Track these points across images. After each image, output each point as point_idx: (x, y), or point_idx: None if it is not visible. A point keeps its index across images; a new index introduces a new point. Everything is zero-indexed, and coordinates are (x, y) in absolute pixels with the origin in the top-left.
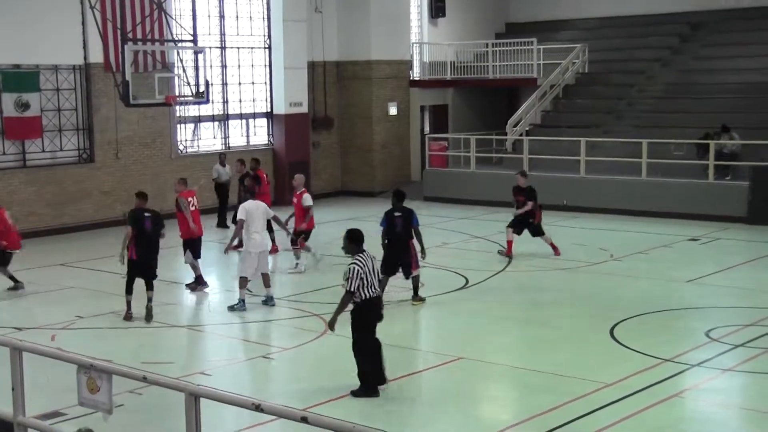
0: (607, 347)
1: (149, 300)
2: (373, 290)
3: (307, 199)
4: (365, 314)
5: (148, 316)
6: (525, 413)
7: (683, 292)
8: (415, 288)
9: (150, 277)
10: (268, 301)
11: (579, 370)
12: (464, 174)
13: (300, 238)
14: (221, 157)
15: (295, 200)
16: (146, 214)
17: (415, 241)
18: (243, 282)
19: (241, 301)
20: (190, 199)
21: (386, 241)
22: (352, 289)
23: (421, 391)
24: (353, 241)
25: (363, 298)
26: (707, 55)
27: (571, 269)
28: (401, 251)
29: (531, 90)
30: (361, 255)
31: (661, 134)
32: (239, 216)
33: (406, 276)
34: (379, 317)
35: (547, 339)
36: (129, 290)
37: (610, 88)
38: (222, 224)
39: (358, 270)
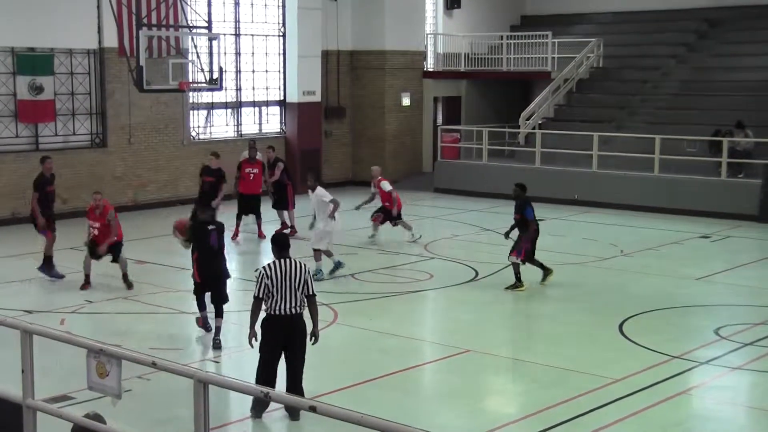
0: (616, 343)
1: (218, 331)
2: (285, 307)
3: (386, 185)
4: (265, 330)
5: (216, 347)
6: (531, 407)
7: (693, 290)
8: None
9: (219, 302)
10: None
11: (587, 365)
12: (476, 166)
13: (376, 214)
14: (251, 143)
15: (376, 189)
16: (210, 227)
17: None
18: (317, 254)
19: (320, 270)
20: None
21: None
22: (255, 295)
23: (429, 383)
24: (275, 245)
25: (268, 311)
26: (724, 53)
27: (581, 264)
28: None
29: (545, 83)
30: (276, 261)
31: (675, 131)
32: (326, 199)
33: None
34: (284, 338)
35: (556, 333)
36: (202, 306)
37: (625, 84)
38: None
39: (261, 275)
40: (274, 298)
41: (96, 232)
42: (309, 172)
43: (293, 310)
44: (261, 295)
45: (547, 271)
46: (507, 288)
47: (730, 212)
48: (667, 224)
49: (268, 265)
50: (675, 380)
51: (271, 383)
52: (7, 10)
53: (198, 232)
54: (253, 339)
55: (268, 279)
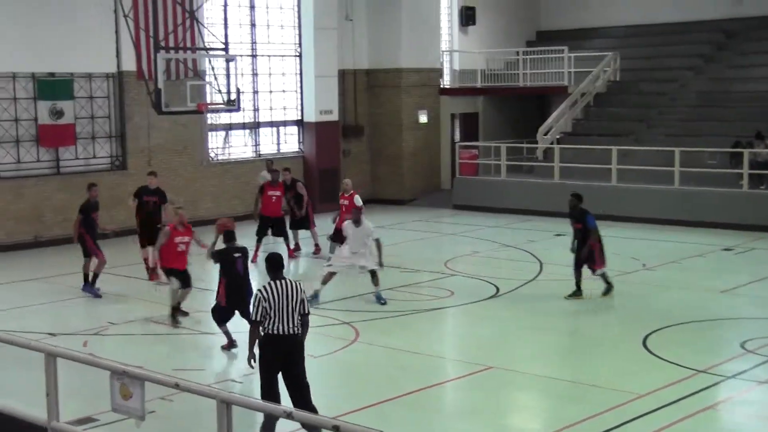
0: (640, 357)
1: None
2: (283, 327)
3: (359, 200)
4: (264, 351)
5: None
6: (555, 424)
7: (717, 303)
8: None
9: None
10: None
11: (611, 381)
12: (495, 182)
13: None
14: (268, 163)
15: (346, 202)
16: (236, 255)
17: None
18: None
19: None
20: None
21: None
22: (253, 318)
23: (451, 401)
24: (269, 266)
25: (266, 331)
26: (741, 63)
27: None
28: None
29: (562, 98)
30: (272, 282)
31: (694, 143)
32: (376, 236)
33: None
34: (282, 358)
35: (579, 349)
36: (222, 322)
37: (642, 97)
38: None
39: (259, 298)
40: (272, 320)
41: (184, 248)
42: (355, 208)
43: (291, 330)
44: (259, 318)
45: (579, 292)
46: (604, 294)
47: (753, 224)
48: (689, 237)
49: (264, 287)
50: (701, 395)
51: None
52: (27, 36)
53: (226, 260)
54: (252, 360)
55: (265, 302)
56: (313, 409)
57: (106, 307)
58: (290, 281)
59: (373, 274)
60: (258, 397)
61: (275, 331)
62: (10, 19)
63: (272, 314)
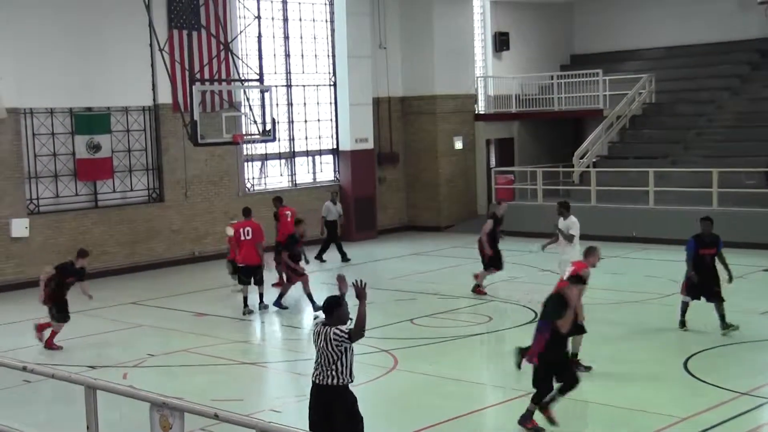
0: (681, 380)
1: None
2: (322, 377)
3: (229, 230)
4: (310, 400)
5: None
6: None
7: (758, 324)
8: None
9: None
10: None
11: (652, 405)
12: (531, 207)
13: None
14: (333, 195)
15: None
16: None
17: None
18: None
19: None
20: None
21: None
22: None
23: (491, 427)
24: (324, 308)
25: (312, 378)
26: None
27: (642, 302)
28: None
29: (597, 121)
30: (319, 325)
31: (732, 164)
32: (573, 232)
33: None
34: (322, 409)
35: (619, 373)
36: None
37: (678, 118)
38: (320, 258)
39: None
40: (315, 366)
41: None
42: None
43: (326, 381)
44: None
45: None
46: (726, 331)
47: None
48: (729, 258)
49: (315, 326)
50: (744, 417)
51: None
52: (63, 72)
53: None
54: None
55: (314, 344)
56: None
57: (145, 339)
58: (328, 331)
59: None
60: (296, 426)
61: (314, 380)
62: (46, 56)
63: (315, 360)
